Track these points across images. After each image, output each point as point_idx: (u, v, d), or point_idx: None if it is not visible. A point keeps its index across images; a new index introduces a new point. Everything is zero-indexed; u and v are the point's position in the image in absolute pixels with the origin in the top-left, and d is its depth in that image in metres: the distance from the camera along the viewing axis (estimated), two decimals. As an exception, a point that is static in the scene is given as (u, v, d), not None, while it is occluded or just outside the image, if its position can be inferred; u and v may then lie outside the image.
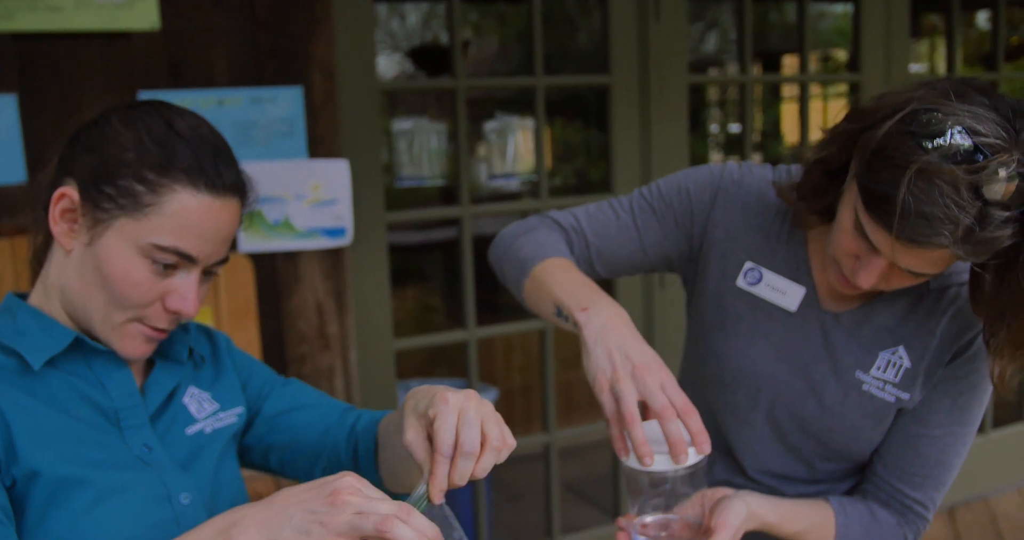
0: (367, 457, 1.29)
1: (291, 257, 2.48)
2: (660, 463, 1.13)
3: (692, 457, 1.14)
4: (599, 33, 3.08)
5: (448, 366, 4.72)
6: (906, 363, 1.35)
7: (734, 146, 7.17)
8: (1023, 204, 1.11)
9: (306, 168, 2.45)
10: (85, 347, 1.11)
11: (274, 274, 2.47)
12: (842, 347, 1.38)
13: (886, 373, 1.36)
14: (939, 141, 1.10)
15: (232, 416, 1.25)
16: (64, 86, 2.21)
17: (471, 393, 1.01)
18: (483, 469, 0.99)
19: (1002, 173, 1.07)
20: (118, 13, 2.21)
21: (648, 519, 1.20)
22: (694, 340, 1.51)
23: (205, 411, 1.21)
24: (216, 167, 1.07)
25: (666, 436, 1.12)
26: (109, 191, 1.04)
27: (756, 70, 6.54)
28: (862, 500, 1.40)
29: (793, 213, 1.38)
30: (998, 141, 1.09)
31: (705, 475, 1.21)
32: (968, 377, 1.35)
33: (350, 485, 0.88)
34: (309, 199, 2.45)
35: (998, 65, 3.89)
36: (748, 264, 1.42)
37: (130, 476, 1.07)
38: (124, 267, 1.05)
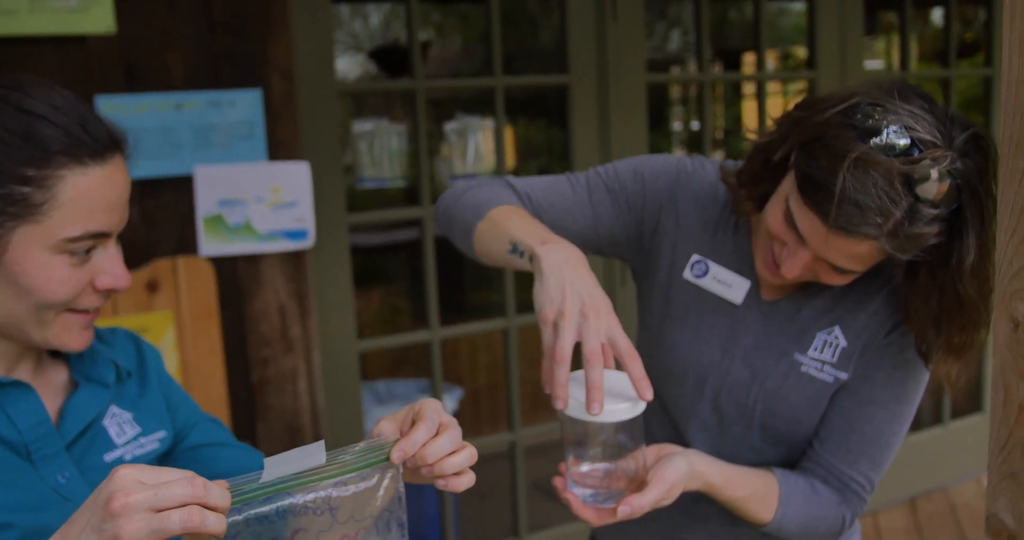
0: None
1: (252, 260, 2.47)
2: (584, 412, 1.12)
3: (622, 414, 1.13)
4: (558, 33, 3.10)
5: (413, 366, 4.72)
6: (842, 342, 1.38)
7: (696, 143, 7.22)
8: (951, 204, 1.16)
9: (266, 171, 2.44)
10: None
11: (236, 277, 2.46)
12: (781, 332, 1.41)
13: (823, 353, 1.39)
14: (877, 134, 1.15)
15: (154, 441, 1.15)
16: (19, 91, 2.19)
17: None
18: (452, 465, 0.93)
19: (934, 174, 1.13)
20: (73, 17, 2.20)
21: (585, 468, 1.21)
22: (644, 331, 1.54)
23: (126, 435, 1.12)
24: (88, 132, 0.97)
25: (586, 381, 1.11)
26: None
27: (717, 68, 6.58)
28: (803, 475, 1.42)
29: (733, 199, 1.42)
30: (933, 139, 1.14)
31: (642, 429, 1.21)
32: (902, 352, 1.37)
33: (125, 484, 0.76)
34: (270, 202, 2.45)
35: (952, 62, 3.95)
36: (695, 257, 1.45)
37: (50, 516, 0.98)
38: (44, 272, 0.97)
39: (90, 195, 0.97)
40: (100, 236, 1.00)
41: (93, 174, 0.97)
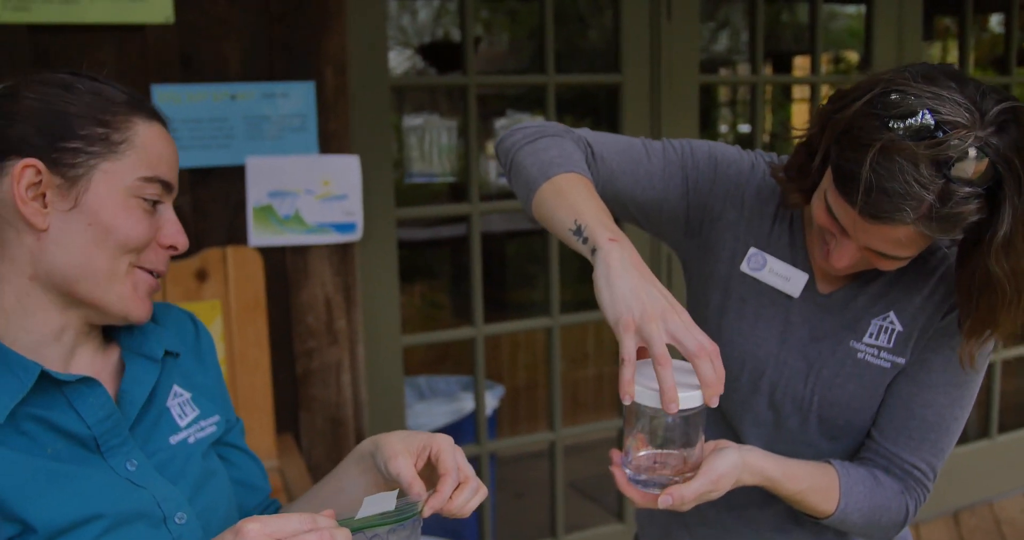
0: None
1: (301, 251, 2.48)
2: (685, 401, 1.10)
3: (686, 402, 1.11)
4: (611, 32, 3.08)
5: (455, 363, 4.73)
6: (898, 327, 1.37)
7: (744, 146, 7.18)
8: (988, 181, 1.14)
9: (317, 163, 2.45)
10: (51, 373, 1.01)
11: (283, 268, 2.47)
12: (836, 321, 1.40)
13: (878, 339, 1.38)
14: (902, 121, 1.15)
15: (211, 425, 1.18)
16: (77, 78, 2.22)
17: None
18: (469, 509, 1.06)
19: (972, 153, 1.12)
20: (133, 6, 2.22)
21: (642, 452, 1.20)
22: (700, 323, 1.51)
23: (187, 417, 1.15)
24: (143, 98, 1.11)
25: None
26: (74, 145, 1.02)
27: (767, 70, 6.53)
28: (864, 466, 1.39)
29: (782, 193, 1.41)
30: (959, 119, 1.13)
31: (704, 419, 1.19)
32: (960, 334, 1.34)
33: (256, 536, 0.86)
34: (319, 194, 2.46)
35: (1011, 68, 3.88)
36: (752, 250, 1.44)
37: (129, 503, 1.01)
38: (123, 211, 1.04)
39: (158, 145, 1.08)
40: (166, 187, 1.08)
41: (157, 128, 1.09)
